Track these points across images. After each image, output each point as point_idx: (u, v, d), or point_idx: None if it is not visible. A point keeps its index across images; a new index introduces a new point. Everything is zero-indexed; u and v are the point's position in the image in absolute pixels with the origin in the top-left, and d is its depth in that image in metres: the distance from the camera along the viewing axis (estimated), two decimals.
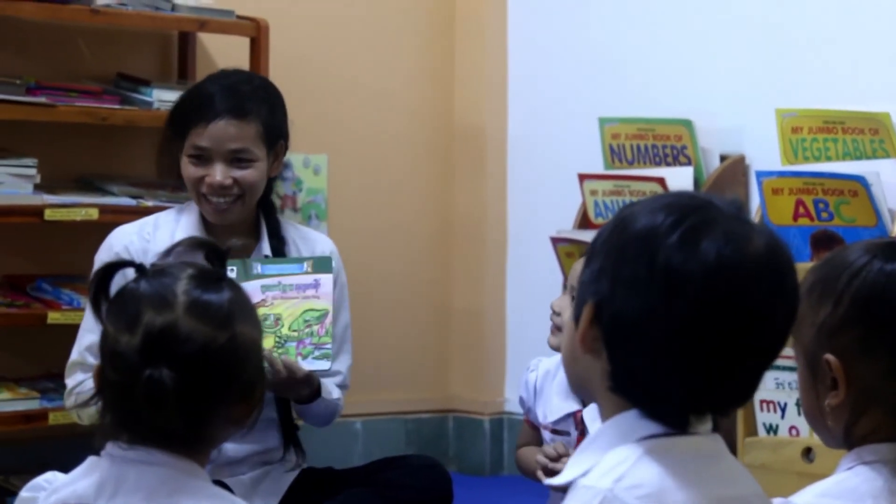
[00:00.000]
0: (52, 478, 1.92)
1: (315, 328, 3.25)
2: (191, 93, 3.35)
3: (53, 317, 3.79)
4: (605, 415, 1.64)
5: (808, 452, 3.36)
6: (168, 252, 1.93)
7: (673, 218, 1.58)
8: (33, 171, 3.82)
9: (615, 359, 1.60)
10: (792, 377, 3.35)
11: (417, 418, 4.74)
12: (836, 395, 1.79)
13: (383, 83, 4.73)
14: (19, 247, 4.07)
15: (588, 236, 4.03)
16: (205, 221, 3.35)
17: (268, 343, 3.22)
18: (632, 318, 1.57)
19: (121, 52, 4.21)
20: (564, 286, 3.40)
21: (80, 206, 3.87)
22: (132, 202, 3.97)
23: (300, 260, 3.31)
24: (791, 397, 3.40)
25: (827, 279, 1.82)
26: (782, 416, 3.45)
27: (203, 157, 3.26)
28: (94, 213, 3.87)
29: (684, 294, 1.55)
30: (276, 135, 3.35)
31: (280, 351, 3.22)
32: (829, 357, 1.78)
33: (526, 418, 3.31)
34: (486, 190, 4.77)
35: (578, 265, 3.24)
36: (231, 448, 3.25)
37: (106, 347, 1.83)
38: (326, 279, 3.28)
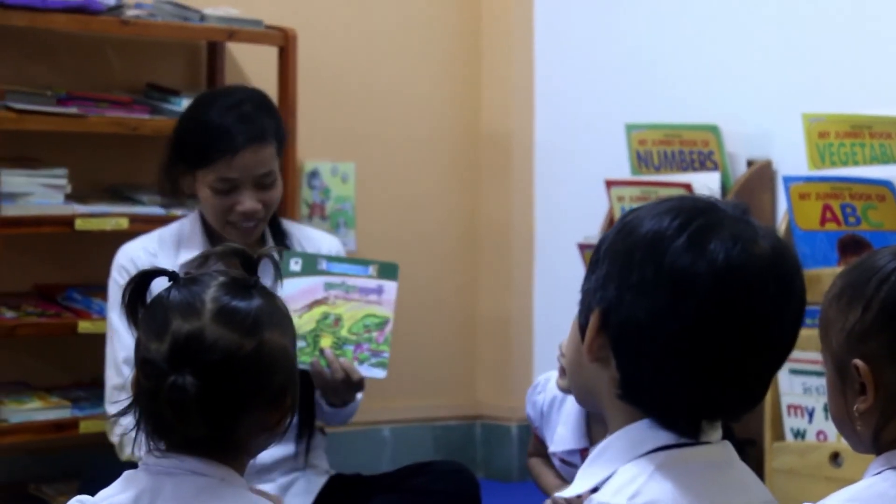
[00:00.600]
0: (85, 499, 1.93)
1: (374, 334, 3.24)
2: (200, 122, 3.30)
3: (84, 326, 3.81)
4: (613, 425, 1.63)
5: (835, 457, 3.36)
6: (203, 261, 1.94)
7: (679, 221, 1.58)
8: (64, 182, 3.85)
9: (624, 366, 1.59)
10: (819, 382, 3.34)
11: (445, 425, 4.74)
12: (865, 401, 1.78)
13: (410, 91, 4.74)
14: (50, 256, 4.09)
15: None
16: (208, 232, 3.35)
17: (325, 342, 3.22)
18: (640, 323, 1.57)
19: (150, 63, 4.23)
20: None
21: (111, 216, 3.89)
22: (161, 211, 3.98)
23: (366, 263, 3.30)
24: (819, 402, 3.40)
25: (856, 284, 1.81)
26: (810, 421, 3.44)
27: (229, 189, 3.25)
28: (124, 223, 3.89)
29: (693, 296, 1.55)
30: (283, 144, 3.37)
31: (338, 353, 3.22)
32: (858, 362, 1.78)
33: (534, 432, 3.31)
34: (512, 196, 4.78)
35: None
36: (261, 455, 3.27)
37: (138, 355, 1.85)
38: (391, 286, 3.28)
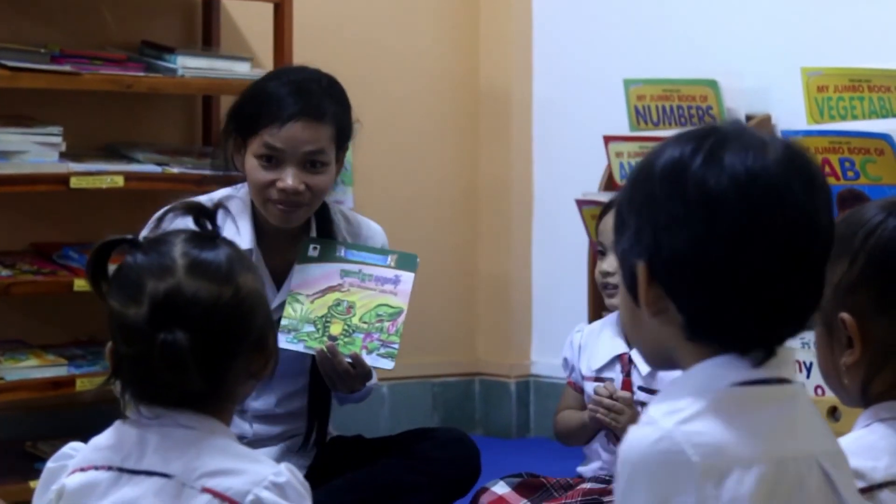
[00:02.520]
0: (77, 446, 1.94)
1: (386, 324, 3.17)
2: (257, 90, 3.19)
3: (80, 284, 3.80)
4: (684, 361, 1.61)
5: (833, 412, 3.35)
6: (157, 223, 1.94)
7: (690, 147, 1.56)
8: (59, 140, 3.83)
9: (684, 306, 1.56)
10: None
11: (444, 382, 4.74)
12: (852, 354, 1.78)
13: (408, 48, 4.72)
14: (45, 215, 4.08)
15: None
16: (255, 220, 3.22)
17: (335, 329, 3.16)
18: (685, 257, 1.54)
19: (145, 20, 4.21)
20: (593, 249, 3.39)
21: (106, 174, 3.87)
22: (157, 169, 3.97)
23: (385, 252, 3.22)
24: (816, 357, 3.39)
25: (843, 237, 1.80)
26: (808, 376, 3.43)
27: (274, 160, 3.11)
28: (119, 181, 3.87)
29: (725, 213, 1.53)
30: (345, 137, 3.23)
31: (346, 340, 3.15)
32: (845, 315, 1.77)
33: (569, 381, 3.31)
34: (511, 153, 4.76)
35: (607, 221, 3.22)
36: (261, 429, 3.26)
37: (114, 324, 1.85)
38: (407, 277, 3.19)
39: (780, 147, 1.56)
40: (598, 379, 3.24)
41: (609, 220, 3.19)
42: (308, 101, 3.13)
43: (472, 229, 4.83)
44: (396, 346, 3.17)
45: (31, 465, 3.82)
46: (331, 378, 3.17)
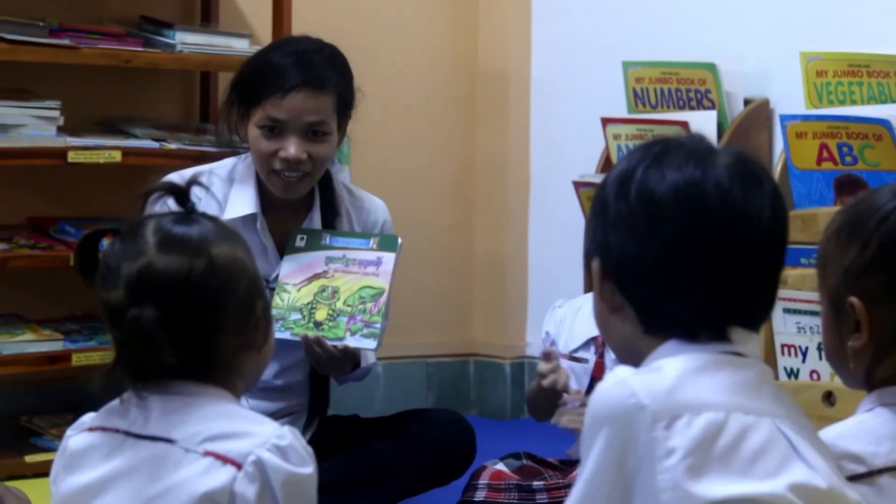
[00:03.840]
0: (94, 415, 1.95)
1: (369, 305, 3.22)
2: (260, 61, 3.23)
3: None
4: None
5: (828, 396, 3.36)
6: (143, 204, 1.96)
7: (638, 155, 1.68)
8: (56, 114, 3.82)
9: (634, 300, 1.66)
10: (813, 322, 3.34)
11: (439, 362, 4.75)
12: (859, 338, 1.79)
13: (407, 27, 4.71)
14: (42, 189, 4.08)
15: None
16: (260, 189, 3.27)
17: (320, 315, 3.21)
18: (628, 254, 1.65)
19: None
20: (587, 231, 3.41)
21: (104, 149, 3.87)
22: (155, 145, 3.97)
23: (368, 236, 3.27)
24: (812, 342, 3.40)
25: (855, 221, 1.81)
26: (803, 361, 3.44)
27: (277, 130, 3.16)
28: (117, 156, 3.87)
29: (662, 214, 1.63)
30: (347, 107, 3.27)
31: (331, 325, 3.20)
32: (853, 300, 1.78)
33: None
34: (508, 134, 4.76)
35: None
36: (258, 405, 3.27)
37: (102, 312, 1.88)
38: (389, 258, 3.24)
39: (729, 154, 1.66)
40: (572, 358, 3.26)
41: None
42: (310, 72, 3.17)
43: (468, 210, 4.83)
44: (378, 325, 3.21)
45: (27, 440, 3.83)
46: (319, 364, 3.20)
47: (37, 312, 3.98)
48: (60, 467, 1.94)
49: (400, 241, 3.28)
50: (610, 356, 3.25)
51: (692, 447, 1.56)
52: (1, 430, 3.76)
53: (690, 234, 1.62)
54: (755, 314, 1.67)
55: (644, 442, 1.56)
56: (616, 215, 1.66)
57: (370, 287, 3.23)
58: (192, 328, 1.85)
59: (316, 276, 3.23)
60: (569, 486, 3.17)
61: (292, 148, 3.15)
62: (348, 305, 3.21)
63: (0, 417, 3.81)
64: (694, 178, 1.63)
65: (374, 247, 3.25)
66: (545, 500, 3.17)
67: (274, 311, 3.17)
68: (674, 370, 1.60)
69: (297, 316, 3.21)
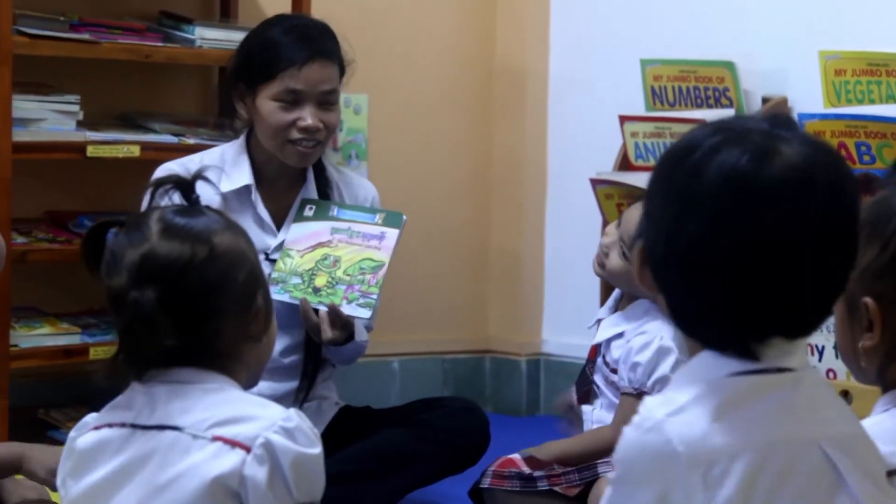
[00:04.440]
0: (96, 416, 1.96)
1: (367, 276, 3.31)
2: (262, 40, 3.38)
3: None
4: (689, 352, 1.63)
5: (845, 395, 3.36)
6: (152, 195, 1.98)
7: (688, 143, 1.57)
8: (76, 108, 3.83)
9: (666, 297, 1.60)
10: (830, 321, 3.34)
11: (454, 358, 4.75)
12: (871, 338, 1.78)
13: (424, 23, 4.72)
14: (61, 183, 4.09)
15: (628, 178, 4.02)
16: (254, 163, 3.39)
17: (320, 281, 3.30)
18: (658, 248, 1.57)
19: None
20: (604, 229, 3.43)
21: (122, 143, 3.88)
22: (174, 139, 3.98)
23: (374, 211, 3.38)
24: (829, 340, 3.40)
25: (876, 222, 1.80)
26: (819, 360, 3.44)
27: (293, 102, 3.31)
28: (135, 150, 3.88)
29: (696, 212, 1.53)
30: (343, 73, 3.43)
31: (329, 291, 3.29)
32: (868, 300, 1.77)
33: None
34: (526, 131, 4.76)
35: (631, 213, 3.27)
36: (267, 386, 3.28)
37: (107, 299, 1.90)
38: (392, 233, 3.34)
39: (793, 153, 1.54)
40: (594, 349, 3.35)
41: (634, 214, 3.25)
42: (318, 44, 3.35)
43: (484, 206, 4.83)
44: (375, 296, 3.30)
45: (44, 433, 3.84)
46: (313, 330, 3.29)
47: (55, 306, 4.00)
48: (68, 470, 1.94)
49: (405, 218, 3.38)
50: (601, 373, 3.32)
51: (730, 497, 1.51)
52: (19, 423, 3.77)
53: (722, 239, 1.52)
54: (802, 324, 1.59)
55: (682, 489, 1.52)
56: (653, 206, 1.59)
57: (371, 259, 3.33)
58: (191, 312, 1.87)
59: (320, 245, 3.34)
60: (569, 472, 3.19)
61: (310, 118, 3.31)
62: (348, 275, 3.31)
63: (18, 410, 3.82)
64: (740, 172, 1.52)
65: (380, 222, 3.36)
66: (545, 487, 3.20)
67: (275, 275, 3.31)
68: (710, 407, 1.53)
69: (297, 280, 3.32)
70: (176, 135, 4.00)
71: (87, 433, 1.93)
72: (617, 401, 3.28)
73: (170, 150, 3.93)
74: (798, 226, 1.54)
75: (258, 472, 1.83)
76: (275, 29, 3.38)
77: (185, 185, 1.97)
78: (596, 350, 3.32)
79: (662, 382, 3.15)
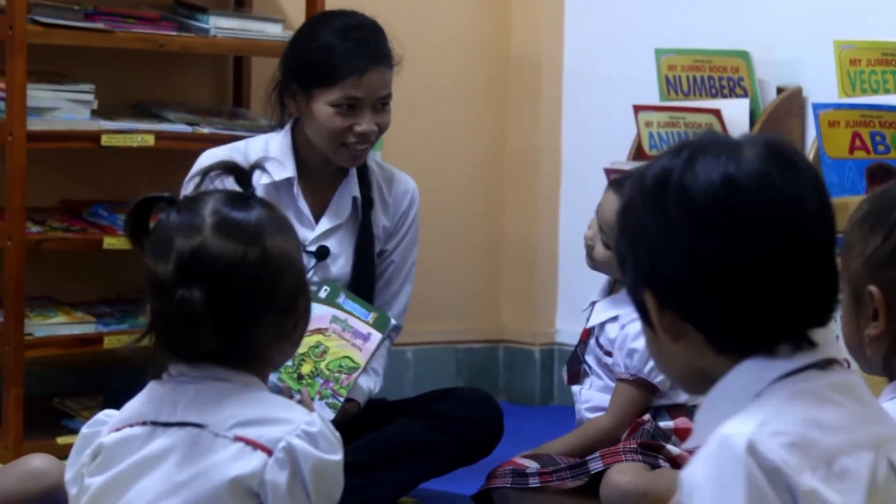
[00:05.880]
0: (111, 413, 1.97)
1: (342, 377, 3.31)
2: (318, 43, 3.37)
3: (109, 242, 3.82)
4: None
5: None
6: (202, 179, 1.95)
7: (665, 167, 1.54)
8: (90, 97, 3.84)
9: (700, 322, 1.53)
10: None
11: (468, 348, 4.75)
12: (877, 327, 1.79)
13: (439, 13, 4.71)
14: (76, 172, 4.10)
15: None
16: (297, 155, 3.41)
17: (305, 369, 3.30)
18: (685, 277, 1.52)
19: None
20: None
21: (137, 133, 3.89)
22: (188, 129, 3.98)
23: (369, 309, 3.38)
24: (841, 324, 3.39)
25: (881, 211, 1.81)
26: None
27: (350, 107, 3.33)
28: (150, 140, 3.88)
29: (710, 222, 1.50)
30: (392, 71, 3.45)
31: (309, 381, 3.29)
32: (873, 289, 1.78)
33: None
34: (540, 120, 4.76)
35: (608, 202, 3.31)
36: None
37: (147, 280, 1.89)
38: (376, 337, 3.34)
39: (757, 144, 1.53)
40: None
41: (608, 200, 3.33)
42: (375, 49, 3.38)
43: (498, 196, 4.82)
44: (342, 398, 3.30)
45: (59, 422, 3.86)
46: None
47: (69, 295, 4.01)
48: (90, 466, 1.91)
49: (393, 322, 3.38)
50: (593, 355, 3.35)
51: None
52: (33, 412, 3.79)
53: (741, 236, 1.50)
54: (826, 307, 1.55)
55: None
56: (659, 239, 1.53)
57: (350, 360, 3.32)
58: (235, 315, 1.85)
59: (318, 331, 3.32)
60: (561, 469, 3.21)
61: (366, 123, 3.34)
62: (328, 369, 3.31)
63: (32, 399, 3.83)
64: (730, 177, 1.50)
65: (371, 322, 3.35)
66: (536, 484, 3.21)
67: None
68: (797, 419, 1.47)
69: (288, 362, 3.28)
70: (190, 124, 4.00)
71: (110, 434, 1.91)
72: (610, 382, 3.30)
73: (184, 139, 3.94)
74: (800, 197, 1.53)
75: (279, 477, 1.83)
76: (328, 31, 3.37)
77: (241, 174, 1.94)
78: (588, 332, 3.35)
79: None
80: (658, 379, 3.25)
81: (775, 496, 1.43)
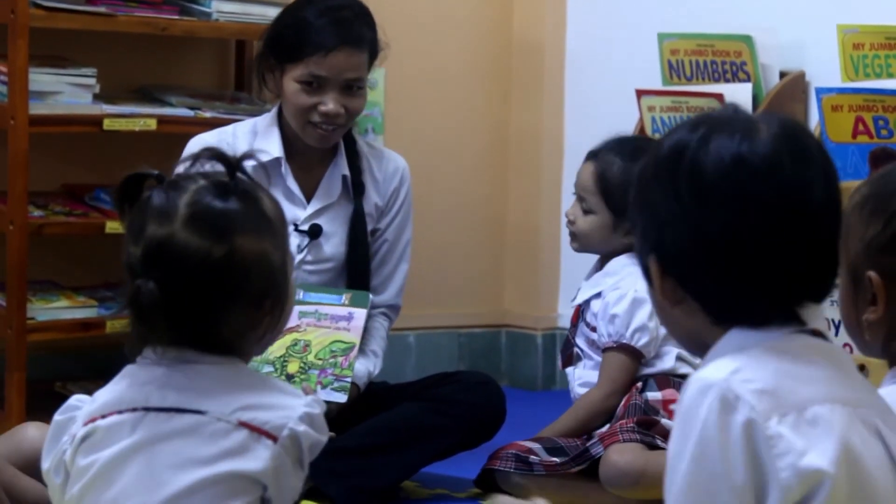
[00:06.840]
0: (83, 398, 1.95)
1: (339, 360, 3.31)
2: (296, 18, 3.37)
3: (111, 226, 3.82)
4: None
5: (861, 369, 3.35)
6: (191, 166, 1.94)
7: (680, 140, 1.60)
8: (92, 81, 3.84)
9: (697, 293, 1.60)
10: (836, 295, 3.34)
11: (470, 332, 4.75)
12: (875, 311, 1.79)
13: None
14: (78, 156, 4.10)
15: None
16: (285, 135, 3.40)
17: (293, 367, 3.30)
18: (688, 248, 1.58)
19: None
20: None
21: (139, 117, 3.89)
22: (190, 113, 3.98)
23: (340, 292, 3.37)
24: (839, 308, 3.39)
25: (881, 196, 1.81)
26: (836, 334, 3.43)
27: (316, 85, 3.32)
28: (152, 124, 3.89)
29: (714, 197, 1.56)
30: (375, 58, 3.44)
31: (303, 377, 3.29)
32: (872, 274, 1.78)
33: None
34: (543, 105, 4.75)
35: (584, 170, 3.33)
36: None
37: (123, 258, 1.89)
38: (360, 313, 3.33)
39: (773, 125, 1.59)
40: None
41: (585, 169, 3.41)
42: (349, 30, 3.33)
43: (501, 181, 4.82)
44: (349, 379, 3.29)
45: (61, 406, 3.85)
46: None
47: (71, 279, 4.01)
48: (74, 452, 1.91)
49: (371, 297, 3.37)
50: (583, 336, 3.39)
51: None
52: (35, 396, 3.79)
53: (745, 215, 1.55)
54: (822, 289, 1.61)
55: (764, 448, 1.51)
56: (667, 210, 1.59)
57: (341, 341, 3.32)
58: (194, 309, 1.85)
59: (288, 330, 3.31)
60: (566, 462, 3.22)
61: (331, 103, 3.31)
62: (319, 359, 3.30)
63: (35, 383, 3.83)
64: (741, 156, 1.56)
65: (346, 302, 3.34)
66: (542, 473, 3.23)
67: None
68: (769, 371, 1.53)
69: (269, 368, 3.29)
70: (192, 108, 4.00)
71: (95, 422, 1.89)
72: (599, 359, 3.32)
73: (186, 123, 3.94)
74: (808, 183, 1.57)
75: (285, 462, 1.85)
76: (310, 8, 3.37)
77: (227, 162, 1.91)
78: (578, 315, 3.36)
79: (641, 332, 3.25)
80: (641, 342, 3.27)
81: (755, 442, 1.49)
